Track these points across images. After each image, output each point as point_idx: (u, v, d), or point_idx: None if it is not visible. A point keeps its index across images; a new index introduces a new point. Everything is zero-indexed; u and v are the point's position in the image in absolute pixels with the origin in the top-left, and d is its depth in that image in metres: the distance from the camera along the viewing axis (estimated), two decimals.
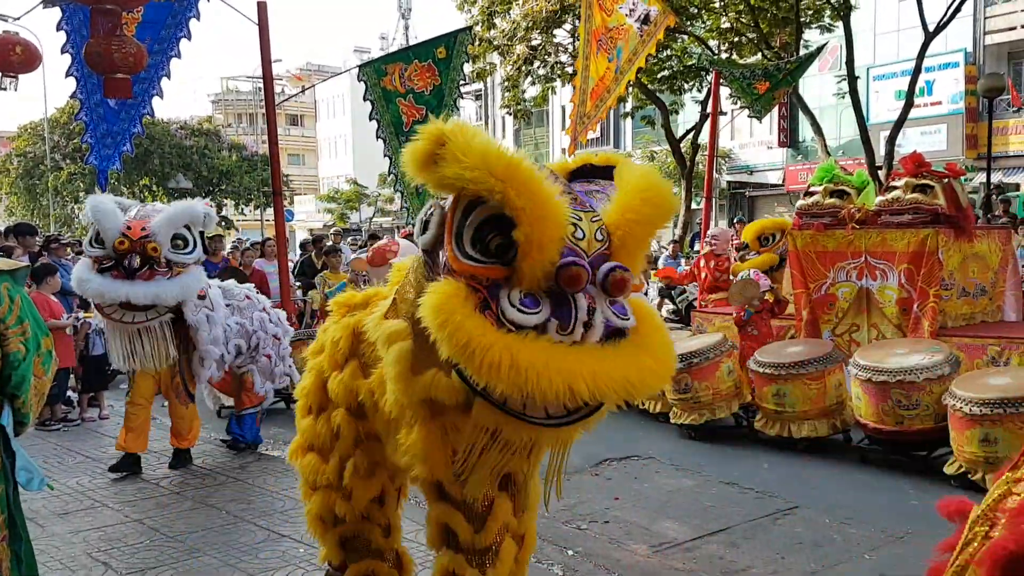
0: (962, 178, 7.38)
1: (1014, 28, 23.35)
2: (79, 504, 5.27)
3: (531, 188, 2.15)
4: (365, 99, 8.38)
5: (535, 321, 2.16)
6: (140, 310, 5.49)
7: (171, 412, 6.14)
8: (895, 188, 6.89)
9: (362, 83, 8.41)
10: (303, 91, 34.27)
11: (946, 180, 6.71)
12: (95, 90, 7.33)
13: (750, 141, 29.72)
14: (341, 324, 3.18)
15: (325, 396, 3.23)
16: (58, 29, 7.16)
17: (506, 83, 20.92)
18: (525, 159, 2.23)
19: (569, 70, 19.59)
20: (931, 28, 16.07)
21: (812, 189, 7.51)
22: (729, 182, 29.91)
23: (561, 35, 19.52)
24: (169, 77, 7.51)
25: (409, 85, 8.24)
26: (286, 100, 35.64)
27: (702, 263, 9.68)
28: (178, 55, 7.46)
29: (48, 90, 46.09)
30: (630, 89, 19.65)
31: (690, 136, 21.75)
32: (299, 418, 3.39)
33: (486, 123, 30.19)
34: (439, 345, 2.16)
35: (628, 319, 2.31)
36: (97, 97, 7.44)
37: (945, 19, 16.08)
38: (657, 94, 20.40)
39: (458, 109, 8.39)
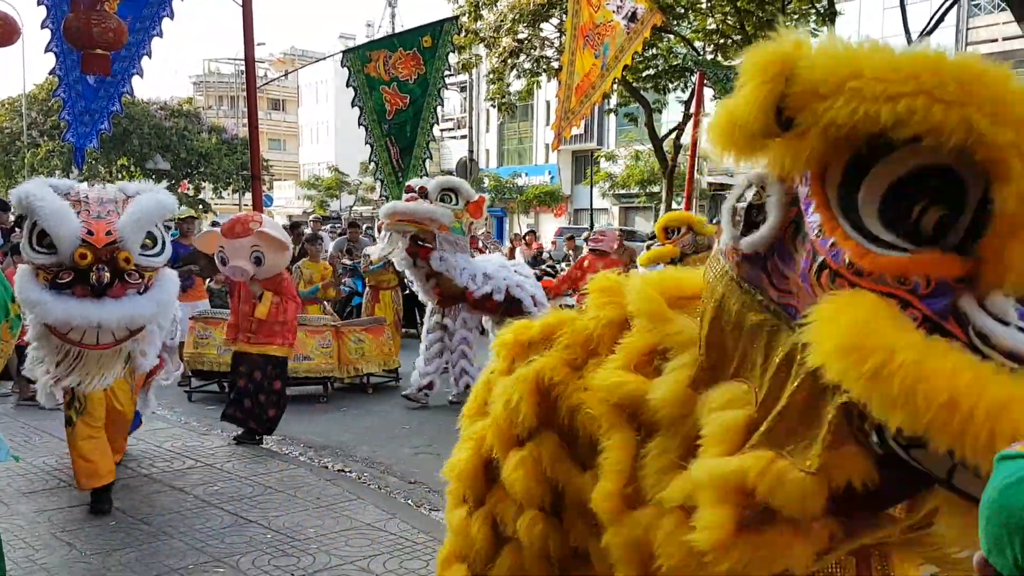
0: None
1: (996, 40, 23.63)
2: (44, 484, 5.22)
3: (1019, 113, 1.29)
4: (348, 85, 8.34)
5: None
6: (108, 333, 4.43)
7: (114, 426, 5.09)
8: None
9: (346, 69, 8.37)
10: (286, 75, 34.07)
11: None
12: (74, 67, 7.21)
13: None
14: (518, 377, 2.14)
15: (486, 483, 2.27)
16: (39, 3, 7.05)
17: (491, 75, 20.88)
18: (995, 68, 1.34)
19: (555, 65, 19.59)
20: (915, 37, 16.22)
21: None
22: (710, 183, 30.07)
23: (548, 29, 19.52)
24: (150, 56, 7.42)
25: (393, 73, 8.20)
26: (268, 83, 35.40)
27: (585, 264, 9.23)
28: (160, 34, 7.36)
29: (27, 66, 45.31)
30: (615, 86, 19.70)
31: (673, 136, 21.83)
32: (450, 509, 2.44)
33: (470, 115, 30.09)
34: (882, 408, 1.29)
35: None
36: (76, 74, 7.33)
37: (929, 28, 16.23)
38: (641, 92, 20.46)
39: (442, 99, 8.36)
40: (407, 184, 7.51)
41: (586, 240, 9.83)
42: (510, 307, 7.65)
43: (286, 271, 6.56)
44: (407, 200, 7.25)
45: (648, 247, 8.80)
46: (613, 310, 2.04)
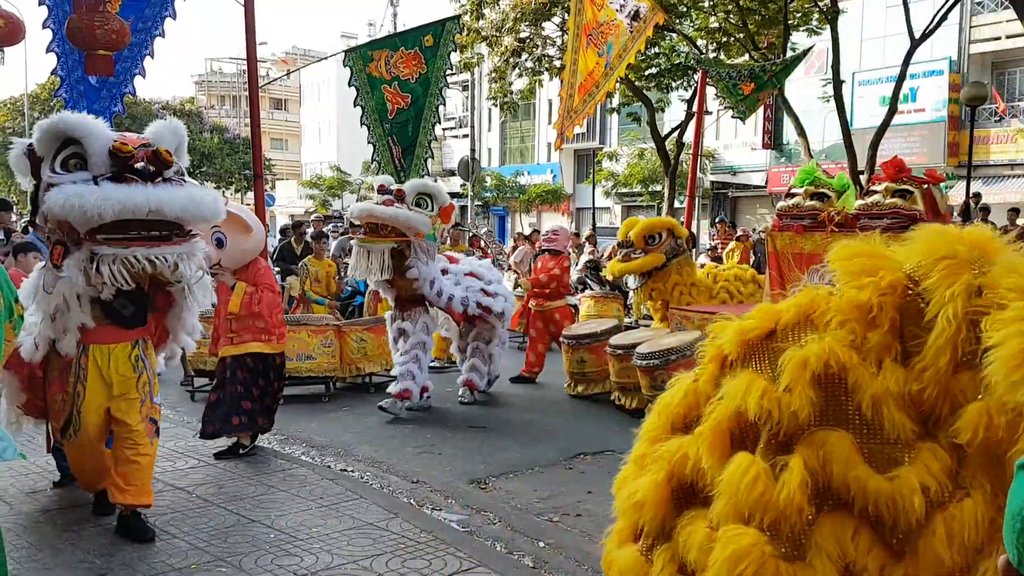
0: (942, 185, 7.44)
1: (999, 38, 23.57)
2: (48, 483, 5.22)
3: None
4: (350, 85, 8.33)
5: None
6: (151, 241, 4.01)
7: (123, 449, 4.36)
8: (875, 192, 6.94)
9: (348, 69, 8.36)
10: (288, 75, 34.06)
11: (926, 186, 6.77)
12: (76, 67, 7.21)
13: (734, 142, 29.86)
14: (792, 362, 1.80)
15: (676, 512, 1.94)
16: (40, 3, 7.05)
17: (493, 74, 20.88)
18: None
19: (557, 63, 19.59)
20: (917, 36, 16.18)
21: (793, 191, 7.56)
22: (713, 182, 30.04)
23: (550, 28, 19.51)
24: (152, 56, 7.42)
25: (395, 72, 8.18)
26: (270, 83, 35.43)
27: (539, 265, 9.31)
28: (162, 34, 7.36)
29: (29, 65, 45.34)
30: (618, 85, 19.70)
31: (675, 134, 21.81)
32: (611, 549, 2.15)
33: (472, 114, 30.06)
34: None
35: None
36: (78, 74, 7.33)
37: (931, 27, 16.20)
38: (644, 91, 20.44)
39: (444, 99, 8.35)
40: (380, 184, 7.05)
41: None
42: (473, 316, 7.67)
43: (262, 259, 6.03)
44: (383, 203, 6.79)
45: (625, 256, 8.45)
46: (890, 274, 1.76)
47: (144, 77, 7.51)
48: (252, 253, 5.87)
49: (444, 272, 7.41)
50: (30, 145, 4.14)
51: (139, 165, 3.90)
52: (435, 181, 7.72)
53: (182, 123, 4.62)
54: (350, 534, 4.41)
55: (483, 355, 7.94)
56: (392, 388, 7.24)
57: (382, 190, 6.91)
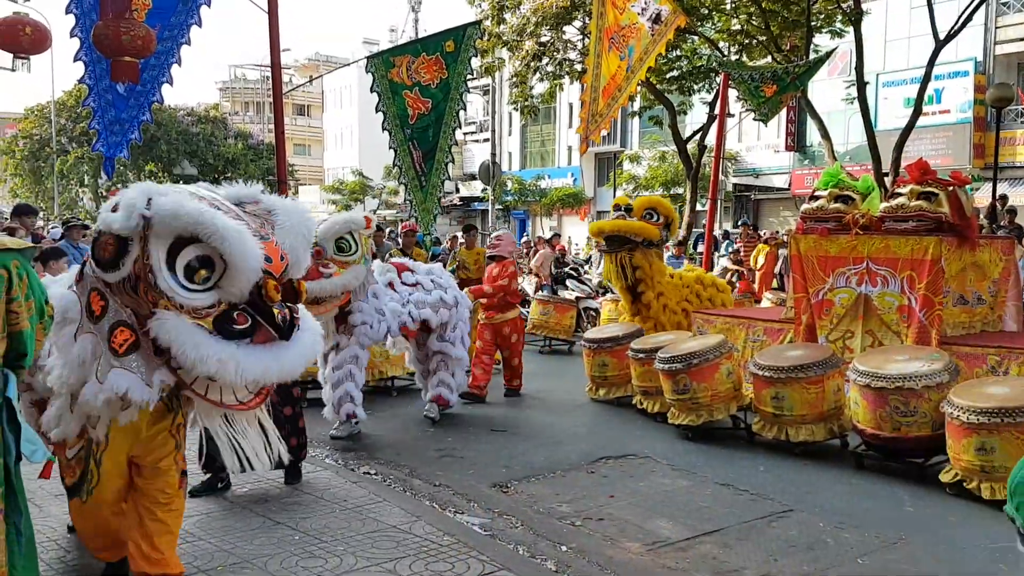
0: (967, 187, 7.36)
1: None
2: None
3: None
4: (372, 91, 8.39)
5: None
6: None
7: (150, 508, 3.59)
8: (900, 195, 6.88)
9: (370, 75, 8.42)
10: (310, 81, 34.29)
11: (951, 188, 6.70)
12: (103, 75, 7.30)
13: (757, 144, 29.69)
14: None
15: None
16: (67, 12, 7.16)
17: (514, 79, 20.90)
18: None
19: (578, 67, 19.57)
20: (942, 36, 16.02)
21: (817, 193, 7.50)
22: (735, 185, 29.87)
23: (571, 32, 19.50)
24: (180, 64, 7.51)
25: (416, 78, 8.23)
26: (293, 89, 35.68)
27: (486, 274, 8.73)
28: (188, 42, 7.45)
29: (56, 73, 45.98)
30: (639, 88, 19.66)
31: (697, 137, 21.73)
32: None
33: (493, 118, 30.11)
34: None
35: None
36: (105, 83, 7.42)
37: (956, 28, 16.03)
38: (665, 94, 20.38)
39: (464, 104, 8.38)
40: (284, 253, 5.22)
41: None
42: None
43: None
44: (316, 273, 5.81)
45: (620, 217, 8.39)
46: None
47: (172, 85, 7.61)
48: None
49: (390, 286, 6.92)
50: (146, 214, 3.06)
51: (279, 319, 3.13)
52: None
53: (307, 211, 3.68)
54: (374, 537, 4.44)
55: (448, 367, 7.38)
56: (339, 415, 6.65)
57: (317, 255, 5.74)
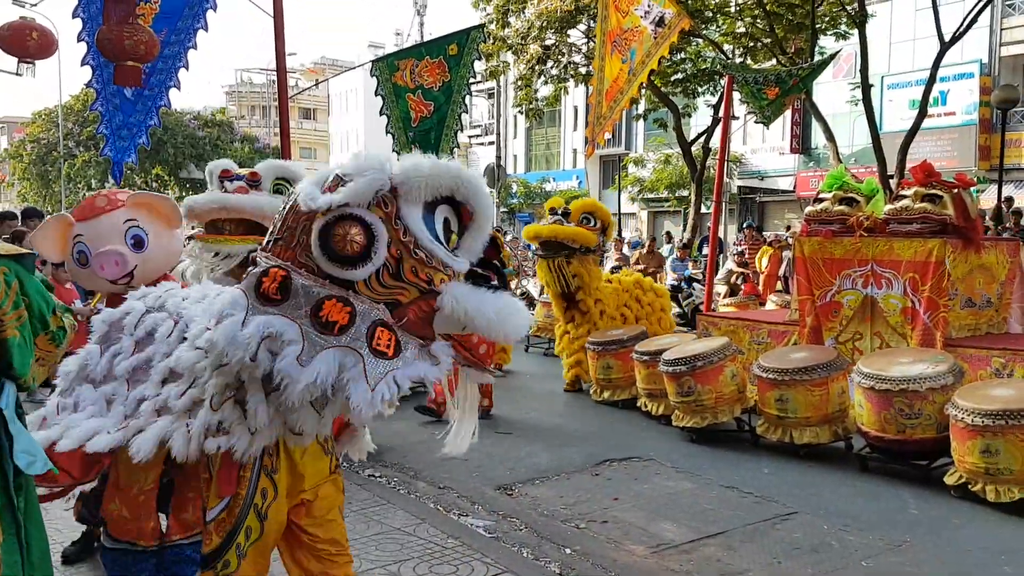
0: (973, 189, 7.36)
1: None
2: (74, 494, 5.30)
3: None
4: (377, 94, 8.42)
5: None
6: None
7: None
8: (904, 197, 6.88)
9: (375, 78, 8.45)
10: (316, 85, 34.37)
11: (956, 191, 6.70)
12: (110, 80, 7.34)
13: (762, 146, 29.68)
14: None
15: None
16: (74, 16, 7.20)
17: (519, 82, 20.95)
18: None
19: (582, 70, 19.60)
20: (947, 38, 16.01)
21: (821, 196, 7.50)
22: (740, 187, 29.88)
23: (575, 35, 19.56)
24: (187, 68, 7.54)
25: (419, 81, 8.25)
26: (299, 93, 35.73)
27: None
28: (195, 46, 7.48)
29: (63, 77, 46.31)
30: (643, 91, 19.67)
31: (702, 140, 21.74)
32: None
33: (498, 121, 30.18)
34: None
35: None
36: (113, 87, 7.46)
37: (961, 30, 16.03)
38: (670, 97, 20.40)
39: (467, 107, 8.40)
40: (223, 169, 4.99)
41: None
42: None
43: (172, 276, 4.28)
44: (236, 190, 4.79)
45: (558, 222, 8.30)
46: None
47: (179, 89, 7.64)
48: (174, 257, 4.28)
49: None
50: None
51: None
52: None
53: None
54: (378, 539, 4.45)
55: None
56: None
57: (227, 176, 4.86)
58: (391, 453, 6.49)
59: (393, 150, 8.47)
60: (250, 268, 2.47)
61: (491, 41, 18.84)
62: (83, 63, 7.38)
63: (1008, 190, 18.56)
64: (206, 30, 7.40)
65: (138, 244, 3.91)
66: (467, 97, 8.32)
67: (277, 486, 2.70)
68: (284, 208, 2.52)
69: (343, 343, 2.34)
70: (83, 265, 3.87)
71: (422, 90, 8.28)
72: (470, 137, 47.27)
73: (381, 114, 8.54)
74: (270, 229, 2.53)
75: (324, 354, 2.31)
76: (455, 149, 8.43)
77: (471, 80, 8.51)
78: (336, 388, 2.29)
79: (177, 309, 3.02)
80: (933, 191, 6.69)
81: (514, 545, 4.55)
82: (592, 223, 8.52)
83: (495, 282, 2.56)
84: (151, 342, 2.97)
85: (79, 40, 7.22)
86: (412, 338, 2.44)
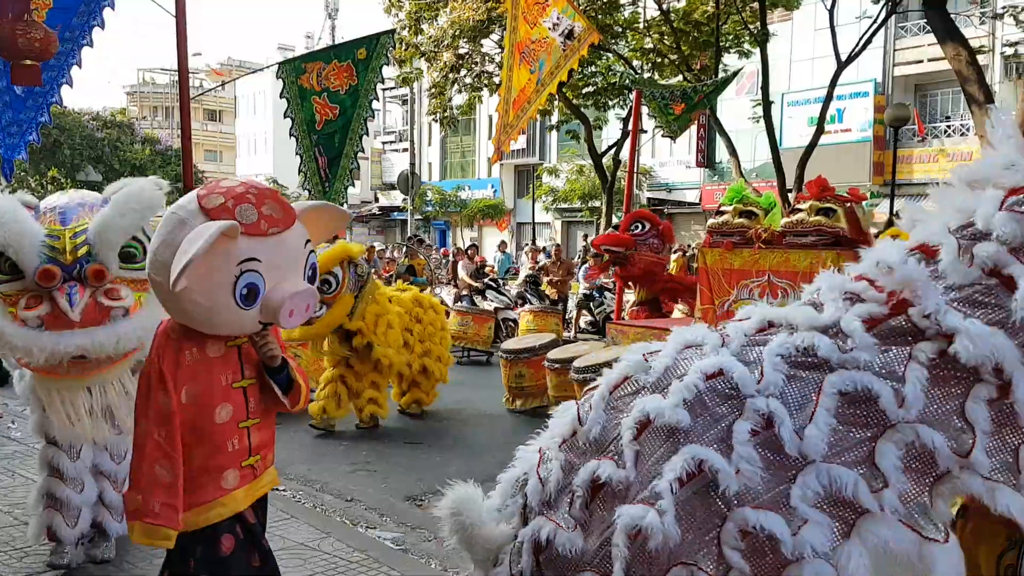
0: (865, 203, 7.71)
1: (921, 61, 24.56)
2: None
3: None
4: (282, 96, 8.29)
5: None
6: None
7: None
8: (800, 211, 7.14)
9: (280, 80, 8.31)
10: (222, 86, 33.55)
11: (848, 204, 7.00)
12: (0, 77, 7.01)
13: (670, 160, 30.46)
14: None
15: None
16: None
17: (432, 90, 20.90)
18: None
19: (496, 80, 19.68)
20: (843, 58, 16.74)
21: (723, 208, 7.73)
22: (649, 199, 30.56)
23: (488, 45, 19.64)
24: (80, 66, 7.25)
25: (325, 84, 8.16)
26: (203, 94, 34.81)
27: None
28: (90, 44, 7.20)
29: None
30: (555, 103, 19.90)
31: (612, 152, 22.13)
32: None
33: (411, 128, 30.01)
34: None
35: None
36: (3, 84, 7.12)
37: (857, 50, 16.78)
38: (582, 109, 20.70)
39: (373, 112, 8.32)
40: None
41: None
42: None
43: None
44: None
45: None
46: None
47: (71, 86, 7.33)
48: None
49: None
50: None
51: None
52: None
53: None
54: (280, 555, 4.30)
55: None
56: None
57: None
58: (297, 466, 6.36)
59: (296, 153, 8.36)
60: None
61: (404, 47, 18.74)
62: None
63: (900, 204, 19.53)
64: (102, 27, 7.14)
65: (327, 285, 3.48)
66: (373, 101, 8.26)
67: None
68: None
69: None
70: (247, 305, 2.48)
71: (328, 93, 8.18)
72: (384, 143, 46.94)
73: (285, 116, 8.41)
74: None
75: None
76: (359, 152, 8.36)
77: (381, 85, 8.46)
78: None
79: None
80: (827, 205, 6.97)
81: (422, 557, 4.51)
82: (334, 284, 6.93)
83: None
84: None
85: None
86: None
